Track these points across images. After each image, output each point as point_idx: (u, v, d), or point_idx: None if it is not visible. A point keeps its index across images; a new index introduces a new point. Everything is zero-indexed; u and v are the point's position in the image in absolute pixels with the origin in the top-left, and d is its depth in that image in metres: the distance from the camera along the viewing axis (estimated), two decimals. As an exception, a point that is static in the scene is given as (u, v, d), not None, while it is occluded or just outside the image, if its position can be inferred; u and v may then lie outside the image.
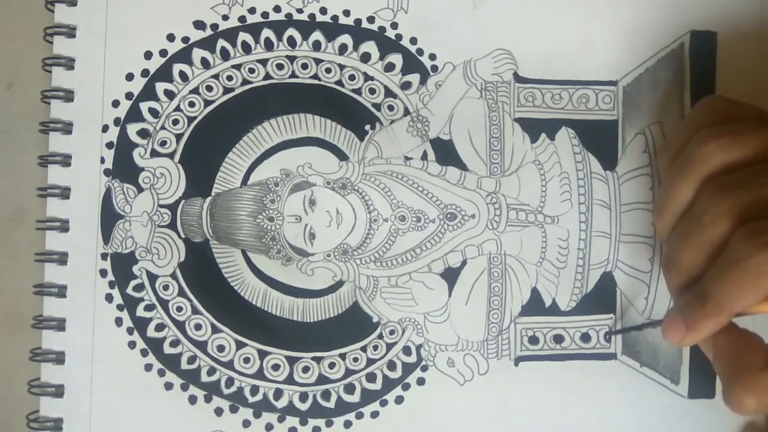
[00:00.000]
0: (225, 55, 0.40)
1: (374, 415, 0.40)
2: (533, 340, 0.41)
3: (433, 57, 0.41)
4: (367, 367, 0.40)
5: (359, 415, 0.40)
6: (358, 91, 0.41)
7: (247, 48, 0.40)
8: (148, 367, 0.39)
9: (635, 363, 0.41)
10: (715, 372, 0.32)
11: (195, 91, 0.40)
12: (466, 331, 0.40)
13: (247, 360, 0.39)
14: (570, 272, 0.41)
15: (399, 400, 0.40)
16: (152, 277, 0.39)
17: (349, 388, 0.40)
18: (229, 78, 0.40)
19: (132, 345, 0.39)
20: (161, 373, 0.39)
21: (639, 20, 0.42)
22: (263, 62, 0.40)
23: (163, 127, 0.40)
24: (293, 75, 0.40)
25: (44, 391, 0.38)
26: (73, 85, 0.39)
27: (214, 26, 0.40)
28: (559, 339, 0.41)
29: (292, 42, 0.41)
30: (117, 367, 0.39)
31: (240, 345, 0.40)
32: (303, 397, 0.40)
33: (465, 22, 0.41)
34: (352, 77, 0.41)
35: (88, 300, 0.39)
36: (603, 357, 0.41)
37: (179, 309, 0.39)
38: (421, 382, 0.40)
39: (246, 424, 0.39)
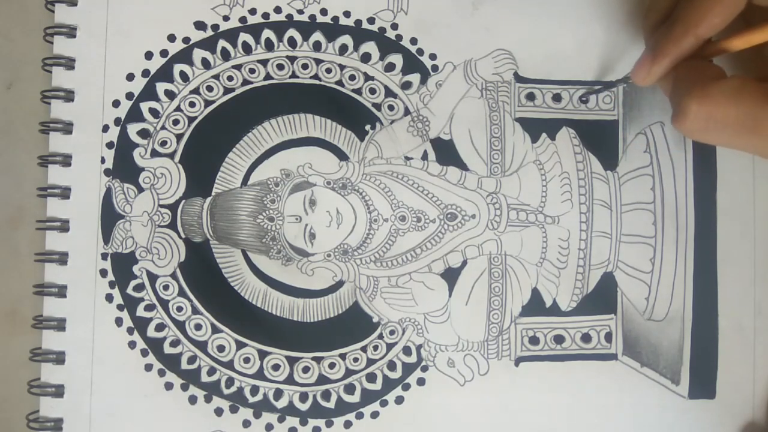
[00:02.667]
0: (225, 56, 0.40)
1: (374, 415, 0.40)
2: (534, 340, 0.41)
3: (433, 57, 0.41)
4: (367, 368, 0.40)
5: (359, 416, 0.40)
6: (358, 91, 0.41)
7: (247, 48, 0.40)
8: (148, 367, 0.39)
9: (636, 363, 0.41)
10: (672, 101, 0.33)
11: (195, 91, 0.40)
12: (466, 332, 0.40)
13: (247, 360, 0.39)
14: (570, 272, 0.41)
15: (399, 400, 0.40)
16: (152, 277, 0.39)
17: (349, 389, 0.40)
18: (230, 78, 0.40)
19: (132, 345, 0.39)
20: (161, 373, 0.39)
21: (638, 19, 0.42)
22: (264, 62, 0.40)
23: (163, 127, 0.40)
24: (294, 75, 0.40)
25: (44, 391, 0.38)
26: (73, 85, 0.39)
27: (215, 27, 0.40)
28: (559, 339, 0.41)
29: (292, 42, 0.41)
30: (117, 367, 0.39)
31: (240, 345, 0.39)
32: (303, 397, 0.40)
33: (465, 22, 0.41)
34: (352, 77, 0.41)
35: (88, 300, 0.39)
36: (603, 357, 0.41)
37: (179, 309, 0.39)
38: (421, 382, 0.40)
39: (246, 424, 0.39)
